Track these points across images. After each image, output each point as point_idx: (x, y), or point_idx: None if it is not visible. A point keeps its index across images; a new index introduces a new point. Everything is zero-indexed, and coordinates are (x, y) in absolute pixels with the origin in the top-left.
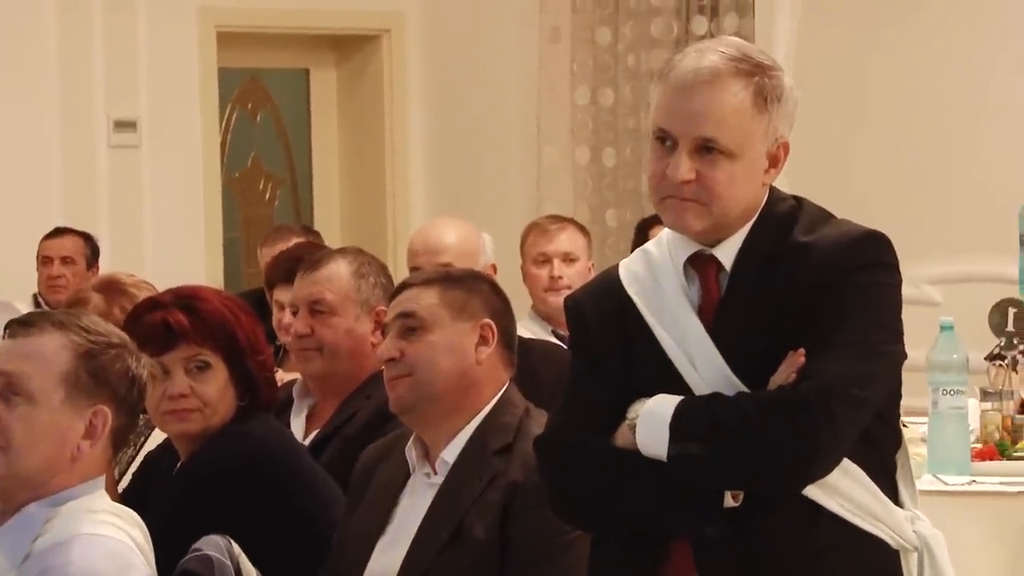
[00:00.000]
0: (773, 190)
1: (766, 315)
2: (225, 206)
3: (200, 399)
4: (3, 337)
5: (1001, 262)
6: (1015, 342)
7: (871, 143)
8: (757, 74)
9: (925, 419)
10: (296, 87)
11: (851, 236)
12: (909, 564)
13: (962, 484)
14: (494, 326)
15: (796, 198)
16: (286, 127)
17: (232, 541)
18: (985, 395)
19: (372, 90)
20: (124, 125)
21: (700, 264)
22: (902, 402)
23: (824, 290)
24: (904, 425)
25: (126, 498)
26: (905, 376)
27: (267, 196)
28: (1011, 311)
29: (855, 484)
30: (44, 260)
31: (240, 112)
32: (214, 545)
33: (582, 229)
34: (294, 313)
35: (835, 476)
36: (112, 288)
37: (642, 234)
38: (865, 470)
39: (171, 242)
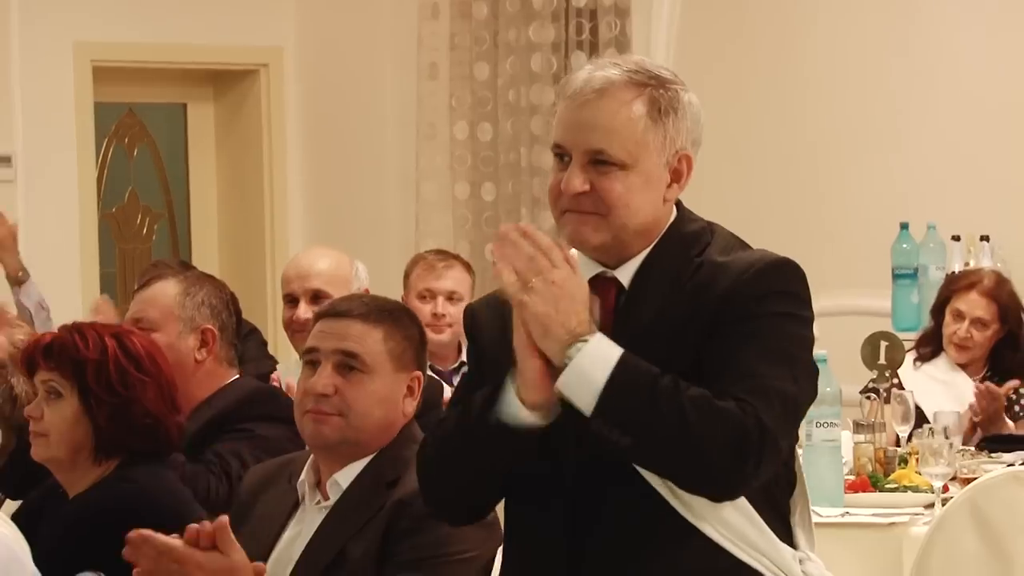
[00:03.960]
0: (683, 210)
1: (666, 334)
2: (102, 241)
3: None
4: None
5: (875, 296)
6: (887, 375)
7: (745, 175)
8: (651, 85)
9: (799, 451)
10: (173, 122)
11: (767, 261)
12: None
13: (835, 516)
14: (420, 378)
15: (709, 223)
16: (164, 162)
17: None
18: (858, 427)
19: (250, 125)
20: None
21: (602, 285)
22: None
23: (736, 315)
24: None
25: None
26: None
27: (144, 231)
28: (883, 344)
29: (736, 512)
30: None
31: (117, 147)
32: None
33: (468, 267)
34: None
35: (724, 508)
36: None
37: None
38: (752, 502)
39: (47, 277)
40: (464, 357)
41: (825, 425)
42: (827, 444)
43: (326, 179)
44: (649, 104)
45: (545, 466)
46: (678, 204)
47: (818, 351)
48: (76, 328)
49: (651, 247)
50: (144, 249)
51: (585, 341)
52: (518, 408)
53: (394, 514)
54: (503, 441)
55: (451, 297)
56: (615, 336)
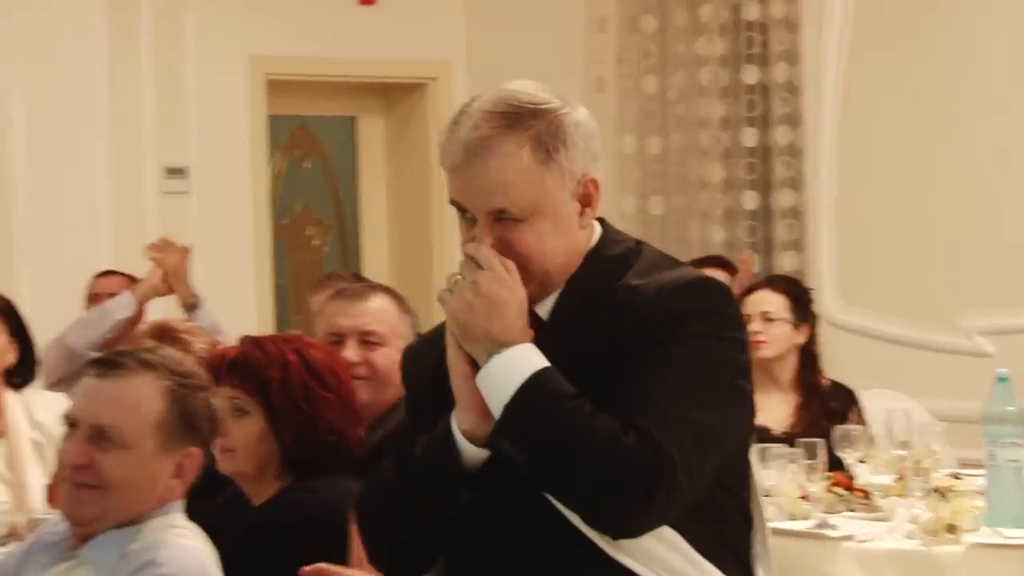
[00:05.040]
0: (608, 232)
1: (580, 367)
2: (274, 252)
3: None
4: (90, 375)
5: None
6: None
7: (919, 188)
8: (531, 124)
9: (983, 471)
10: (344, 134)
11: (679, 282)
12: None
13: (1020, 537)
14: None
15: (638, 242)
16: (334, 174)
17: None
18: None
19: (419, 137)
20: (174, 172)
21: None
22: (962, 455)
23: (648, 340)
24: (865, 493)
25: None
26: (962, 428)
27: (315, 243)
28: None
29: (659, 543)
30: (92, 298)
31: (289, 159)
32: None
33: None
34: (336, 342)
35: (644, 539)
36: (165, 334)
37: None
38: (691, 534)
39: (221, 288)
40: None
41: (1008, 445)
42: (1011, 464)
43: None
44: (534, 147)
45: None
46: (603, 223)
47: (1000, 369)
48: (257, 343)
49: (569, 278)
50: (315, 260)
51: (503, 350)
52: (459, 440)
53: None
54: (442, 477)
55: None
56: None
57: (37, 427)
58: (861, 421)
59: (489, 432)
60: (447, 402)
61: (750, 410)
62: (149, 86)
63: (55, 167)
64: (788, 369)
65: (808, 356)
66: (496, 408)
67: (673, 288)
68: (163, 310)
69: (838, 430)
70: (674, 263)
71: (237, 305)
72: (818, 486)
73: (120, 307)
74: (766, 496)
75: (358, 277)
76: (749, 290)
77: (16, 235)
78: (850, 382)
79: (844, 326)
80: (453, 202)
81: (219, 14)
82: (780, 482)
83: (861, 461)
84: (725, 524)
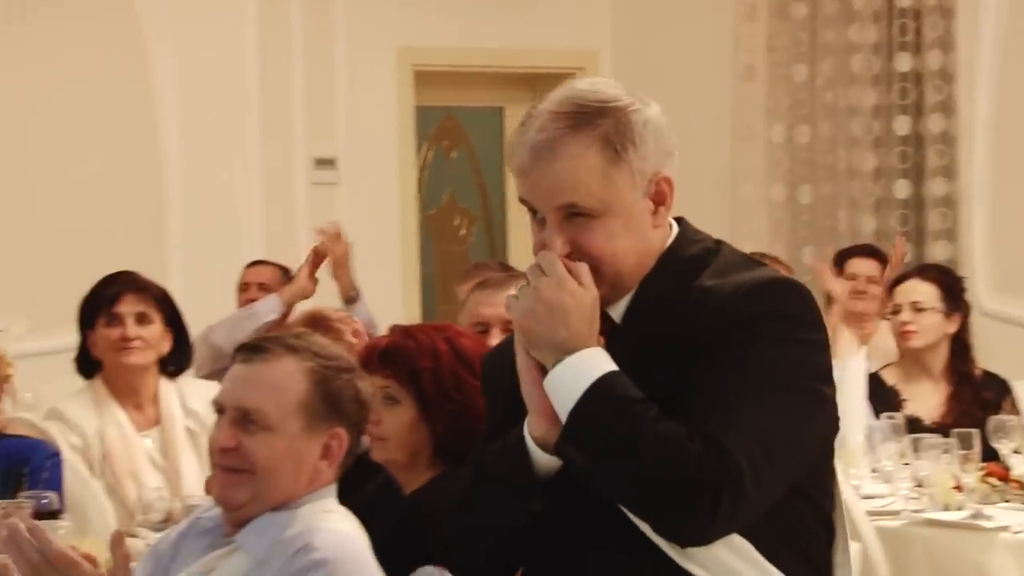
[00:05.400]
0: (686, 231)
1: (650, 370)
2: (420, 243)
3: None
4: (236, 361)
5: None
6: None
7: None
8: (599, 124)
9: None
10: (491, 125)
11: (755, 282)
12: None
13: None
14: None
15: (717, 241)
16: (480, 164)
17: (446, 571)
18: None
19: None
20: (324, 163)
21: (601, 323)
22: None
23: (721, 343)
24: (1021, 484)
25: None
26: None
27: (462, 233)
28: None
29: (730, 552)
30: (242, 287)
31: (436, 150)
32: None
33: (789, 270)
34: (481, 331)
35: (713, 547)
36: (318, 323)
37: (840, 266)
38: (763, 547)
39: (368, 278)
40: None
41: None
42: None
43: None
44: (602, 146)
45: (545, 503)
46: (681, 223)
47: None
48: (408, 332)
49: (642, 279)
50: (461, 251)
51: (571, 354)
52: (532, 447)
53: None
54: (513, 486)
55: None
56: None
57: (191, 415)
58: (1015, 411)
59: (551, 435)
60: (522, 409)
61: (830, 415)
62: (299, 78)
63: (207, 158)
64: (939, 359)
65: (960, 345)
66: (563, 414)
67: (748, 289)
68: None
69: (993, 420)
70: (753, 263)
71: (384, 295)
72: (972, 476)
73: (267, 309)
74: (918, 486)
75: (504, 267)
76: (899, 280)
77: (169, 225)
78: (1004, 372)
79: (997, 315)
80: (523, 201)
81: (368, 6)
82: (933, 472)
83: (1016, 452)
84: (801, 533)
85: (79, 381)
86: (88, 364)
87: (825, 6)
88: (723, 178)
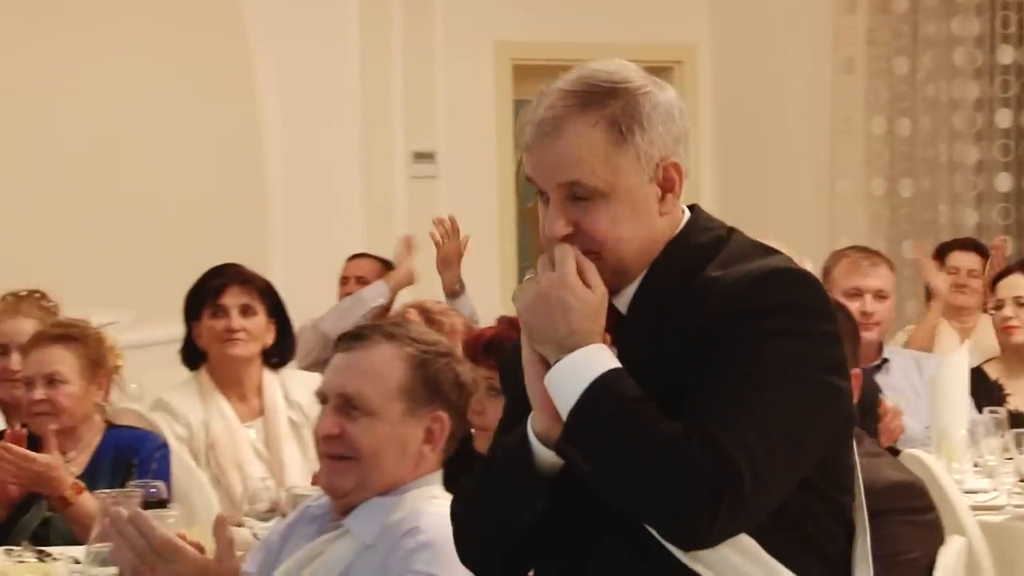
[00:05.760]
0: (699, 218)
1: (656, 361)
2: (518, 235)
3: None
4: (337, 351)
5: None
6: None
7: None
8: (607, 104)
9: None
10: None
11: (762, 272)
12: None
13: None
14: (859, 375)
15: (730, 229)
16: None
17: None
18: None
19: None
20: (423, 156)
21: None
22: None
23: (722, 337)
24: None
25: None
26: None
27: None
28: None
29: (736, 553)
30: (343, 280)
31: None
32: None
33: (891, 265)
34: None
35: (720, 548)
36: (424, 313)
37: (940, 259)
38: (772, 545)
39: (466, 270)
40: (886, 354)
41: None
42: None
43: (739, 174)
44: (608, 127)
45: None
46: (694, 209)
47: None
48: (514, 324)
49: (647, 268)
50: None
51: (572, 351)
52: (535, 444)
53: None
54: (517, 482)
55: (878, 295)
56: None
57: (293, 406)
58: None
59: (552, 430)
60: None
61: (844, 407)
62: (399, 73)
63: (308, 153)
64: None
65: None
66: (564, 412)
67: (751, 280)
68: (410, 292)
69: None
70: (764, 252)
71: (482, 287)
72: None
73: (374, 295)
74: (1021, 481)
75: None
76: (1002, 274)
77: (271, 220)
78: None
79: None
80: (529, 179)
81: (466, 2)
82: None
83: None
84: (815, 529)
85: (182, 372)
86: (193, 355)
87: None
88: (821, 172)
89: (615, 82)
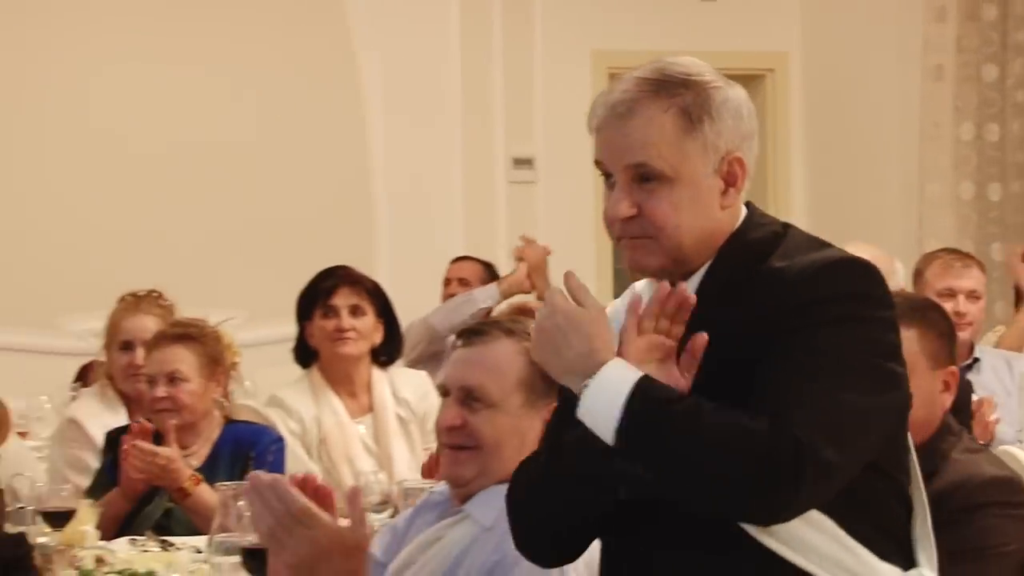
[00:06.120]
0: (754, 214)
1: (720, 352)
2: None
3: None
4: (457, 345)
5: None
6: None
7: None
8: (679, 93)
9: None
10: None
11: (824, 262)
12: None
13: None
14: (956, 372)
15: (785, 225)
16: None
17: None
18: None
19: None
20: (522, 162)
21: None
22: None
23: (788, 325)
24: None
25: None
26: None
27: None
28: None
29: (808, 527)
30: (446, 281)
31: None
32: None
33: (982, 267)
34: None
35: (794, 525)
36: (523, 313)
37: None
38: (844, 523)
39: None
40: (977, 354)
41: None
42: None
43: (829, 179)
44: (679, 114)
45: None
46: (750, 206)
47: None
48: None
49: (711, 260)
50: None
51: (591, 380)
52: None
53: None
54: (593, 466)
55: (971, 295)
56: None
57: (401, 403)
58: None
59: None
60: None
61: (903, 392)
62: (499, 81)
63: (410, 158)
64: None
65: None
66: (607, 438)
67: (815, 270)
68: None
69: None
70: (822, 244)
71: None
72: None
73: (485, 296)
74: None
75: None
76: None
77: (377, 222)
78: None
79: None
80: (597, 163)
81: (565, 11)
82: None
83: None
84: (881, 509)
85: (292, 370)
86: (306, 354)
87: (1016, 7)
88: (911, 176)
89: (689, 74)
